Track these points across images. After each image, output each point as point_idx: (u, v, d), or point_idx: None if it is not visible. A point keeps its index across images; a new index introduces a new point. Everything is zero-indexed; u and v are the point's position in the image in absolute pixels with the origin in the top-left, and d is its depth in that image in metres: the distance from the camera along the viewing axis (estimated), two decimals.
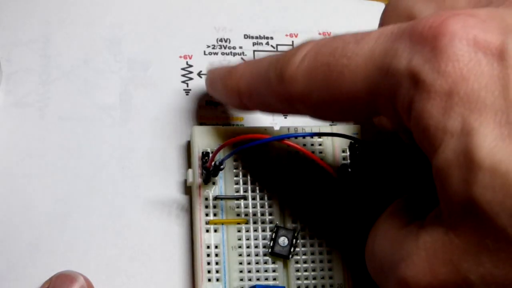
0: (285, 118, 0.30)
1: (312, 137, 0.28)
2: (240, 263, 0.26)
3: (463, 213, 0.18)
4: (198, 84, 0.30)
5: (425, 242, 0.19)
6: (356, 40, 0.21)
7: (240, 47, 0.31)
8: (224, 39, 0.31)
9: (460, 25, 0.19)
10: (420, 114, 0.19)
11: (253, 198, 0.27)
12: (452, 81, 0.18)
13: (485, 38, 0.18)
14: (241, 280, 0.26)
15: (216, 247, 0.26)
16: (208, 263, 0.26)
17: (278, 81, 0.23)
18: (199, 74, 0.30)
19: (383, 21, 0.25)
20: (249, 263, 0.26)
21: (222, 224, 0.26)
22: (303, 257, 0.26)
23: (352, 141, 0.27)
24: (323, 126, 0.28)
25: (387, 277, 0.20)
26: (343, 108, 0.22)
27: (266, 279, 0.26)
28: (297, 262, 0.26)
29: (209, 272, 0.25)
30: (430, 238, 0.19)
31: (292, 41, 0.31)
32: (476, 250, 0.18)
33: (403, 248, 0.20)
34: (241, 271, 0.26)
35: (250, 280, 0.26)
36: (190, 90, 0.30)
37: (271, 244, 0.26)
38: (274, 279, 0.26)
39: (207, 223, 0.26)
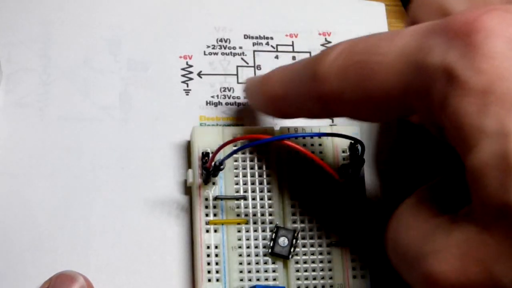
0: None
1: (312, 137, 0.28)
2: (240, 263, 0.26)
3: (498, 215, 0.17)
4: (198, 84, 0.30)
5: (458, 239, 0.18)
6: (390, 37, 0.21)
7: (240, 47, 0.31)
8: (224, 39, 0.31)
9: (497, 22, 0.18)
10: (455, 111, 0.18)
11: (253, 198, 0.27)
12: (488, 79, 0.18)
13: None
14: (241, 280, 0.26)
15: (216, 247, 0.26)
16: (208, 263, 0.26)
17: (311, 81, 0.23)
18: (199, 74, 0.30)
19: (413, 11, 0.24)
20: (249, 263, 0.26)
21: (222, 224, 0.26)
22: (303, 257, 0.26)
23: (352, 141, 0.27)
24: (323, 126, 0.28)
25: (412, 267, 0.20)
26: (377, 106, 0.21)
27: (266, 279, 0.26)
28: (297, 262, 0.26)
29: (209, 272, 0.25)
30: (463, 235, 0.18)
31: (292, 41, 0.31)
32: (510, 254, 0.17)
33: (432, 241, 0.19)
34: (241, 271, 0.26)
35: (250, 280, 0.26)
36: (190, 90, 0.30)
37: (271, 244, 0.26)
38: (274, 279, 0.26)
39: (207, 223, 0.26)
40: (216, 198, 0.26)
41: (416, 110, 0.21)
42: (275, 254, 0.26)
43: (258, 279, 0.26)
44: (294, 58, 0.31)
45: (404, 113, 0.22)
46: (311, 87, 0.23)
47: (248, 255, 0.26)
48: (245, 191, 0.27)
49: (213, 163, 0.26)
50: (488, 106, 0.18)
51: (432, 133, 0.25)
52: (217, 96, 0.30)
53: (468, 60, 0.18)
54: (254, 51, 0.31)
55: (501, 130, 0.17)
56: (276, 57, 0.31)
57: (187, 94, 0.30)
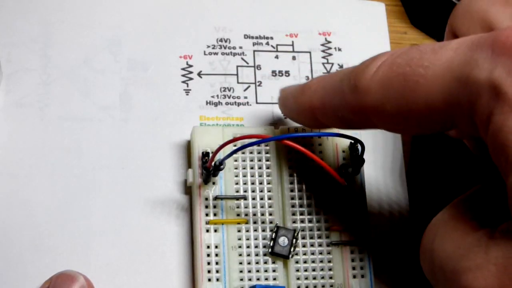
0: (285, 118, 0.30)
1: (312, 137, 0.28)
2: (240, 263, 0.26)
3: None
4: (198, 84, 0.30)
5: (497, 256, 0.18)
6: (434, 50, 0.20)
7: (240, 47, 0.31)
8: (224, 39, 0.31)
9: None
10: (500, 128, 0.18)
11: (253, 198, 0.27)
12: None
13: None
14: (241, 280, 0.26)
15: (216, 247, 0.26)
16: (208, 263, 0.26)
17: (352, 92, 0.22)
18: (199, 74, 0.30)
19: (454, 21, 0.24)
20: (249, 263, 0.26)
21: (222, 224, 0.26)
22: (303, 257, 0.26)
23: (352, 141, 0.27)
24: None
25: (448, 281, 0.20)
26: (419, 119, 0.21)
27: (266, 279, 0.26)
28: (297, 262, 0.26)
29: (209, 272, 0.25)
30: (502, 253, 0.18)
31: (292, 41, 0.31)
32: None
33: (470, 257, 0.19)
34: (241, 271, 0.26)
35: (250, 280, 0.26)
36: (190, 90, 0.30)
37: (271, 244, 0.26)
38: (274, 279, 0.26)
39: (207, 223, 0.26)
40: (216, 198, 0.26)
41: (458, 125, 0.21)
42: (275, 254, 0.26)
43: (258, 279, 0.26)
44: (294, 58, 0.31)
45: (446, 127, 0.22)
46: (352, 99, 0.22)
47: (248, 255, 0.26)
48: (245, 191, 0.27)
49: (213, 163, 0.26)
50: None
51: (470, 147, 0.25)
52: (217, 96, 0.30)
53: None
54: (254, 51, 0.31)
55: None
56: (276, 57, 0.31)
57: (187, 94, 0.30)
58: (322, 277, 0.26)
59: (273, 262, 0.26)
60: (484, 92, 0.19)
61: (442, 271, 0.20)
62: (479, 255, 0.19)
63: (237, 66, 0.30)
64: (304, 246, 0.26)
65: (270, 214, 0.27)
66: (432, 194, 0.29)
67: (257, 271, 0.26)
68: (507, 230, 0.19)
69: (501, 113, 0.18)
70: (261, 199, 0.27)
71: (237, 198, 0.26)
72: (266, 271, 0.26)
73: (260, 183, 0.27)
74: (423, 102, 0.20)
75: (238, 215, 0.26)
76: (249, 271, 0.26)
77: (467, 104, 0.19)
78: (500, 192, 0.19)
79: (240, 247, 0.26)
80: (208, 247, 0.26)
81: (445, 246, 0.20)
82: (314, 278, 0.26)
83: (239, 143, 0.25)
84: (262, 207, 0.27)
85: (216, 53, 0.30)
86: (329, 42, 0.32)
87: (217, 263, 0.26)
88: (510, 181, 0.18)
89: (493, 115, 0.18)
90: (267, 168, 0.27)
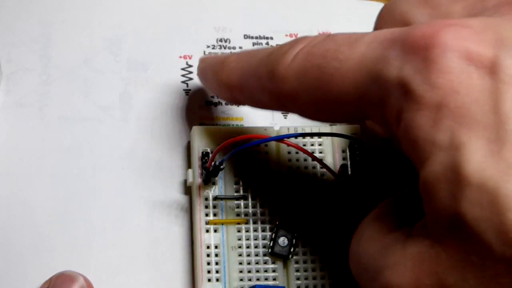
0: (285, 118, 0.30)
1: (312, 137, 0.28)
2: (240, 263, 0.26)
3: (449, 227, 0.18)
4: (198, 84, 0.30)
5: (412, 252, 0.19)
6: (349, 43, 0.21)
7: (240, 47, 0.31)
8: (224, 39, 0.31)
9: (453, 37, 0.18)
10: (409, 125, 0.19)
11: (253, 198, 0.27)
12: (442, 94, 0.18)
13: (478, 51, 0.18)
14: (241, 280, 0.26)
15: (216, 247, 0.26)
16: (208, 263, 0.26)
17: (269, 79, 0.23)
18: None
19: (378, 23, 0.24)
20: (249, 263, 0.26)
21: (222, 224, 0.26)
22: (303, 257, 0.26)
23: (352, 141, 0.27)
24: (323, 126, 0.28)
25: (371, 280, 0.20)
26: (332, 110, 0.21)
27: (266, 279, 0.26)
28: (297, 262, 0.26)
29: (209, 272, 0.25)
30: (417, 249, 0.19)
31: None
32: (462, 266, 0.17)
33: (389, 255, 0.19)
34: (241, 271, 0.26)
35: (250, 280, 0.26)
36: (190, 90, 0.30)
37: (271, 244, 0.26)
38: (274, 279, 0.26)
39: (207, 223, 0.26)
40: (216, 198, 0.26)
41: (372, 120, 0.21)
42: (275, 254, 0.26)
43: (258, 279, 0.26)
44: None
45: (360, 119, 0.22)
46: (268, 85, 0.23)
47: (248, 255, 0.26)
48: (245, 191, 0.27)
49: (213, 163, 0.26)
50: (441, 120, 0.18)
51: (394, 146, 0.25)
52: (217, 96, 0.30)
53: (423, 75, 0.18)
54: None
55: (452, 143, 0.18)
56: None
57: (187, 94, 0.30)
58: (322, 277, 0.26)
59: (273, 262, 0.26)
60: (394, 90, 0.19)
61: (366, 271, 0.21)
62: (397, 253, 0.19)
63: None
64: (304, 246, 0.26)
65: (270, 214, 0.27)
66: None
67: (257, 271, 0.26)
68: (422, 226, 0.19)
69: (410, 110, 0.18)
70: (261, 199, 0.27)
71: (237, 198, 0.26)
72: (266, 271, 0.26)
73: (260, 183, 0.27)
74: (336, 96, 0.21)
75: (238, 215, 0.26)
76: (249, 271, 0.26)
77: (378, 101, 0.20)
78: (418, 191, 0.19)
79: (240, 247, 0.26)
80: (208, 247, 0.26)
81: (368, 247, 0.21)
82: (314, 278, 0.26)
83: (239, 143, 0.25)
84: (262, 207, 0.27)
85: (216, 53, 0.30)
86: None
87: (217, 263, 0.26)
88: (421, 175, 0.18)
89: (403, 112, 0.19)
90: (267, 168, 0.27)
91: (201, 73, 0.28)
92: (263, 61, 0.23)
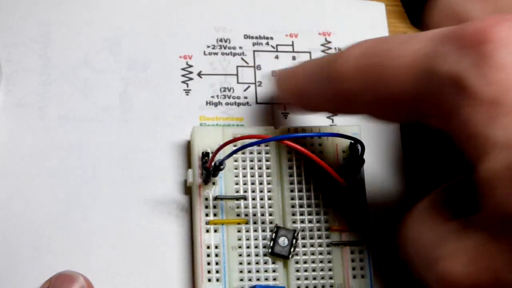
0: (285, 118, 0.30)
1: (312, 137, 0.28)
2: (240, 263, 0.26)
3: (505, 225, 0.18)
4: (198, 84, 0.30)
5: (469, 245, 0.19)
6: (405, 41, 0.21)
7: (240, 47, 0.31)
8: (224, 39, 0.31)
9: (507, 32, 0.18)
10: (464, 120, 0.19)
11: (253, 198, 0.27)
12: (497, 90, 0.18)
13: None
14: (241, 280, 0.26)
15: (216, 247, 0.26)
16: (208, 263, 0.26)
17: (328, 80, 0.23)
18: (199, 74, 0.30)
19: (429, 17, 0.25)
20: (249, 263, 0.26)
21: (222, 224, 0.26)
22: (303, 257, 0.26)
23: (352, 141, 0.27)
24: (323, 126, 0.28)
25: (426, 267, 0.20)
26: (388, 109, 0.22)
27: (266, 279, 0.26)
28: (297, 262, 0.26)
29: (209, 272, 0.25)
30: (474, 242, 0.19)
31: (292, 41, 0.31)
32: None
33: (445, 245, 0.20)
34: (241, 271, 0.26)
35: (250, 280, 0.26)
36: (190, 90, 0.30)
37: (271, 244, 0.26)
38: (274, 279, 0.26)
39: (207, 223, 0.26)
40: (216, 198, 0.26)
41: (428, 115, 0.21)
42: (275, 254, 0.26)
43: (258, 279, 0.26)
44: (294, 58, 0.31)
45: (418, 118, 0.22)
46: (327, 86, 0.23)
47: (248, 255, 0.26)
48: (245, 191, 0.27)
49: (213, 163, 0.26)
50: (497, 117, 0.18)
51: (451, 140, 0.26)
52: (217, 96, 0.30)
53: (478, 70, 0.18)
54: (254, 51, 0.31)
55: (509, 142, 0.18)
56: (276, 57, 0.31)
57: (187, 94, 0.30)
58: (322, 277, 0.26)
59: (273, 262, 0.26)
60: (449, 86, 0.19)
61: (418, 258, 0.21)
62: (453, 244, 0.19)
63: (237, 66, 0.30)
64: (304, 246, 0.26)
65: (270, 214, 0.27)
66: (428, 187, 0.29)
67: (257, 271, 0.26)
68: (478, 220, 0.19)
69: (465, 105, 0.19)
70: (261, 199, 0.27)
71: (237, 198, 0.26)
72: (266, 271, 0.26)
73: (260, 183, 0.27)
74: (393, 93, 0.21)
75: (238, 215, 0.26)
76: (249, 271, 0.26)
77: (433, 98, 0.20)
78: (474, 184, 0.19)
79: (240, 247, 0.26)
80: (208, 247, 0.26)
81: (422, 235, 0.21)
82: (314, 279, 0.26)
83: (239, 143, 0.25)
84: (262, 207, 0.27)
85: (216, 53, 0.30)
86: (329, 42, 0.32)
87: (217, 263, 0.26)
88: (478, 171, 0.19)
89: (457, 108, 0.19)
90: (267, 168, 0.27)
91: (276, 83, 0.28)
92: (323, 65, 0.24)
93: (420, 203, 0.22)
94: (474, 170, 0.19)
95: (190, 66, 0.30)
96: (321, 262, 0.26)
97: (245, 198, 0.27)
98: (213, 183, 0.26)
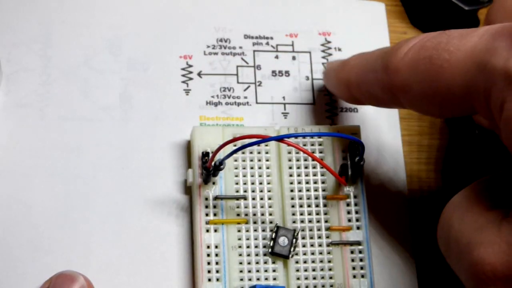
0: (285, 118, 0.30)
1: (312, 137, 0.28)
2: (240, 263, 0.26)
3: None
4: (198, 84, 0.30)
5: (508, 234, 0.19)
6: (461, 35, 0.21)
7: (240, 47, 0.31)
8: (224, 39, 0.31)
9: None
10: (510, 115, 0.19)
11: (253, 198, 0.27)
12: None
13: None
14: (241, 280, 0.26)
15: (216, 247, 0.26)
16: (208, 263, 0.26)
17: (383, 71, 0.24)
18: (199, 74, 0.30)
19: (490, 15, 0.25)
20: (249, 263, 0.26)
21: (222, 224, 0.26)
22: (303, 257, 0.26)
23: (352, 141, 0.27)
24: (323, 126, 0.28)
25: (461, 255, 0.21)
26: (441, 102, 0.22)
27: (266, 279, 0.26)
28: (297, 262, 0.26)
29: (209, 272, 0.25)
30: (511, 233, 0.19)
31: (292, 41, 0.31)
32: None
33: (483, 233, 0.20)
34: (241, 271, 0.26)
35: (250, 280, 0.26)
36: (190, 90, 0.30)
37: (271, 244, 0.26)
38: (274, 279, 0.26)
39: (207, 223, 0.26)
40: (216, 198, 0.26)
41: (477, 110, 0.21)
42: (275, 254, 0.26)
43: (258, 279, 0.26)
44: (294, 58, 0.31)
45: (467, 112, 0.23)
46: (383, 77, 0.24)
47: (248, 255, 0.26)
48: (245, 191, 0.27)
49: (213, 163, 0.26)
50: None
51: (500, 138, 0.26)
52: (217, 96, 0.30)
53: None
54: (254, 51, 0.31)
55: None
56: (276, 57, 0.31)
57: (187, 94, 0.30)
58: (322, 277, 0.26)
59: (273, 262, 0.26)
60: (499, 79, 0.19)
61: (456, 244, 0.21)
62: (492, 232, 0.20)
63: (237, 66, 0.30)
64: (304, 246, 0.26)
65: (270, 214, 0.27)
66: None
67: (257, 271, 0.26)
68: None
69: None
70: (261, 199, 0.27)
71: (237, 198, 0.26)
72: (266, 271, 0.26)
73: (260, 183, 0.27)
74: (445, 86, 0.21)
75: (238, 215, 0.26)
76: (249, 271, 0.26)
77: (484, 91, 0.20)
78: None
79: (240, 247, 0.26)
80: (208, 247, 0.26)
81: (461, 222, 0.21)
82: (314, 278, 0.26)
83: (239, 143, 0.25)
84: (262, 207, 0.27)
85: (216, 53, 0.30)
86: (329, 42, 0.32)
87: (217, 263, 0.26)
88: None
89: (506, 102, 0.19)
90: (267, 168, 0.27)
91: (326, 76, 0.29)
92: (379, 56, 0.24)
93: (459, 194, 0.23)
94: None
95: (190, 66, 0.30)
96: (321, 262, 0.26)
97: (245, 198, 0.27)
98: (213, 183, 0.26)
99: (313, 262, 0.26)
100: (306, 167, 0.27)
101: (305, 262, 0.26)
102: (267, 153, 0.27)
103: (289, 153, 0.27)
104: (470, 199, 0.22)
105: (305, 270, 0.26)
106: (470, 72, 0.21)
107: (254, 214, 0.26)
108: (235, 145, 0.26)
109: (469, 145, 0.30)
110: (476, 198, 0.22)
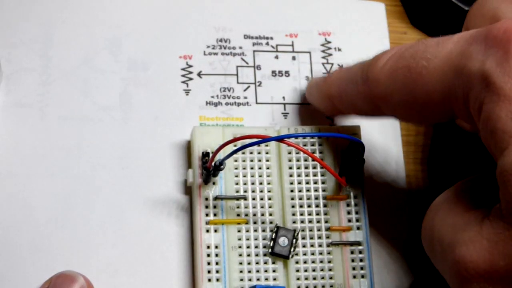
0: (285, 118, 0.30)
1: (312, 137, 0.28)
2: (240, 263, 0.26)
3: None
4: (198, 84, 0.30)
5: (488, 232, 0.19)
6: (437, 43, 0.22)
7: (240, 47, 0.31)
8: (224, 39, 0.31)
9: None
10: (489, 115, 0.19)
11: (253, 198, 0.27)
12: None
13: None
14: (241, 280, 0.26)
15: (216, 247, 0.26)
16: (208, 263, 0.26)
17: (363, 83, 0.24)
18: (199, 74, 0.30)
19: (468, 21, 0.26)
20: (249, 263, 0.26)
21: (222, 224, 0.26)
22: (303, 257, 0.26)
23: (352, 141, 0.27)
24: (323, 126, 0.28)
25: (444, 254, 0.21)
26: (421, 109, 0.23)
27: (266, 279, 0.26)
28: (297, 262, 0.26)
29: (209, 272, 0.25)
30: (493, 230, 0.19)
31: (292, 41, 0.31)
32: None
33: (465, 232, 0.20)
34: (241, 271, 0.26)
35: (250, 280, 0.26)
36: (190, 90, 0.30)
37: (271, 244, 0.26)
38: (274, 279, 0.26)
39: (207, 223, 0.26)
40: (216, 198, 0.26)
41: (457, 115, 0.22)
42: (275, 254, 0.26)
43: (258, 279, 0.26)
44: (294, 58, 0.31)
45: (448, 117, 0.23)
46: (363, 88, 0.24)
47: (248, 255, 0.26)
48: (245, 191, 0.27)
49: (213, 163, 0.26)
50: None
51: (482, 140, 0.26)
52: (217, 96, 0.30)
53: (504, 68, 0.19)
54: (254, 51, 0.31)
55: None
56: (276, 57, 0.31)
57: (187, 94, 0.30)
58: (322, 277, 0.26)
59: (273, 262, 0.26)
60: (476, 82, 0.20)
61: (439, 244, 0.21)
62: (474, 230, 0.20)
63: (237, 66, 0.30)
64: (304, 246, 0.26)
65: (270, 214, 0.27)
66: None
67: (257, 271, 0.26)
68: (499, 209, 0.20)
69: (490, 102, 0.19)
70: (261, 199, 0.27)
71: (237, 198, 0.26)
72: (266, 271, 0.26)
73: (260, 183, 0.27)
74: (424, 93, 0.22)
75: (238, 215, 0.26)
76: (249, 271, 0.26)
77: (462, 95, 0.21)
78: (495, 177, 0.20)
79: (240, 247, 0.26)
80: (208, 247, 0.26)
81: (444, 223, 0.22)
82: (314, 278, 0.26)
83: (239, 143, 0.25)
84: (262, 207, 0.27)
85: (216, 53, 0.30)
86: (329, 42, 0.32)
87: (217, 263, 0.26)
88: (499, 164, 0.19)
89: (484, 104, 0.20)
90: (267, 168, 0.27)
91: (308, 90, 0.30)
92: (359, 68, 0.25)
93: (441, 195, 0.23)
94: (497, 164, 0.20)
95: (190, 66, 0.30)
96: (321, 262, 0.26)
97: (245, 198, 0.27)
98: (213, 183, 0.26)
99: (313, 262, 0.26)
100: (306, 167, 0.27)
101: (305, 262, 0.26)
102: (267, 153, 0.27)
103: (289, 153, 0.27)
104: (452, 200, 0.22)
105: (305, 270, 0.26)
106: (448, 78, 0.21)
107: (254, 214, 0.26)
108: (235, 145, 0.26)
109: (452, 145, 0.30)
110: (458, 198, 0.22)
